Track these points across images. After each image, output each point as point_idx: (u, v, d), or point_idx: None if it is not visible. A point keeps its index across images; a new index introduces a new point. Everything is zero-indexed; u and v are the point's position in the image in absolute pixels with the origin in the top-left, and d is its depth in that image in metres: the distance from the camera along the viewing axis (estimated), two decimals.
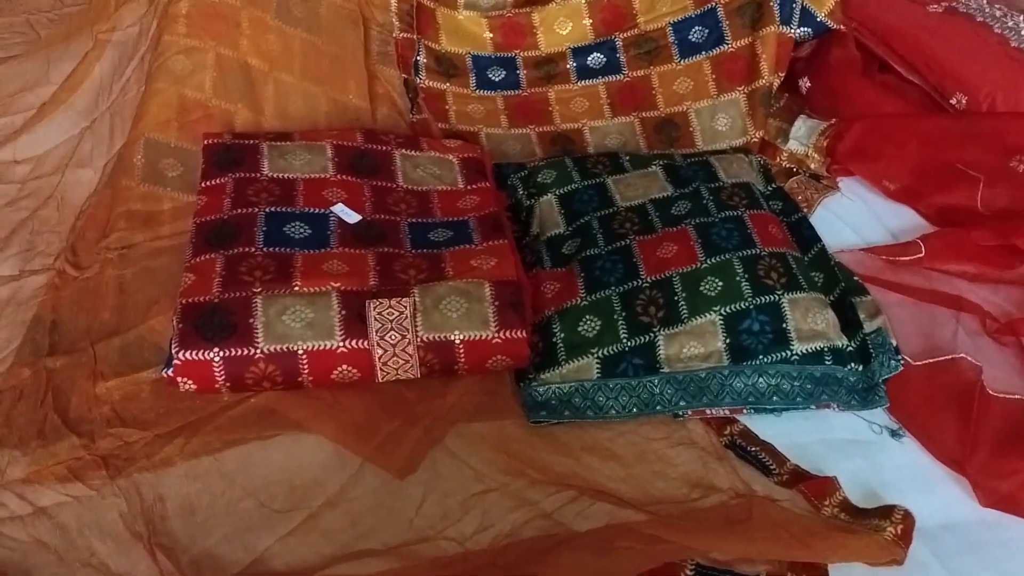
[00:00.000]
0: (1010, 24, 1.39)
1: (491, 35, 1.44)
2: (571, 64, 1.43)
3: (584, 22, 1.43)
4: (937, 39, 1.36)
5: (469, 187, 1.18)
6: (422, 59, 1.41)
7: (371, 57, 1.37)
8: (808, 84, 1.43)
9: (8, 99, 1.34)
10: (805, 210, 1.25)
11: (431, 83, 1.41)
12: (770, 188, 1.26)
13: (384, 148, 1.19)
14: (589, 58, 1.43)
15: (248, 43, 1.25)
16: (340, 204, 1.09)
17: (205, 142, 1.16)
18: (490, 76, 1.43)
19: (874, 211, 1.30)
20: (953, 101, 1.33)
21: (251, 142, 1.15)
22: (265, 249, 1.03)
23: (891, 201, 1.30)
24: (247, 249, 1.03)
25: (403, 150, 1.19)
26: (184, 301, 0.97)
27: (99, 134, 1.28)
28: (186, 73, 1.21)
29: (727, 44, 1.37)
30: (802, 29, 1.39)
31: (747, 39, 1.35)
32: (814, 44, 1.42)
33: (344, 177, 1.14)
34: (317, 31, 1.31)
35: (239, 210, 1.06)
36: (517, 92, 1.43)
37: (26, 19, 1.52)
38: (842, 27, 1.40)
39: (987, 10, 1.41)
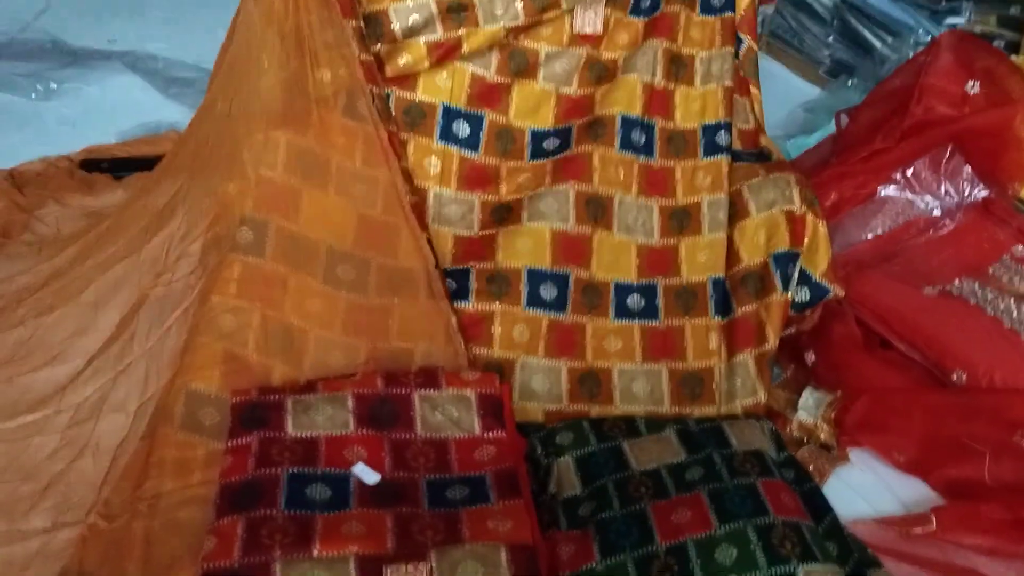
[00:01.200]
0: (1002, 307, 1.49)
1: (551, 249, 1.47)
2: (612, 299, 1.49)
3: (632, 260, 1.50)
4: (933, 320, 1.46)
5: (486, 434, 1.23)
6: (472, 284, 1.43)
7: (419, 299, 1.40)
8: (813, 357, 1.51)
9: (58, 344, 1.44)
10: (817, 480, 1.29)
11: (479, 305, 1.42)
12: (782, 456, 1.30)
13: (404, 391, 1.25)
14: (629, 299, 1.49)
15: (291, 304, 1.33)
16: (360, 464, 1.14)
17: (233, 400, 1.22)
18: (542, 294, 1.45)
19: (885, 482, 1.33)
20: (954, 377, 1.40)
21: (276, 398, 1.22)
22: (286, 512, 1.07)
23: (902, 473, 1.34)
24: (269, 511, 1.07)
25: (422, 390, 1.25)
26: (206, 566, 1.00)
27: (134, 379, 1.33)
28: (232, 331, 1.28)
29: (735, 312, 1.45)
30: (800, 290, 1.46)
31: (752, 306, 1.44)
32: (817, 319, 1.51)
33: (364, 432, 1.19)
34: (364, 292, 1.38)
35: (263, 470, 1.12)
36: (562, 315, 1.45)
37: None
38: (838, 288, 1.46)
39: (979, 294, 1.52)
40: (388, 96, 1.50)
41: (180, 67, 2.54)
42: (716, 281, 1.48)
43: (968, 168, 1.65)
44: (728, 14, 1.59)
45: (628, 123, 1.55)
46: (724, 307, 1.46)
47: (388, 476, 1.14)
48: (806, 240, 1.44)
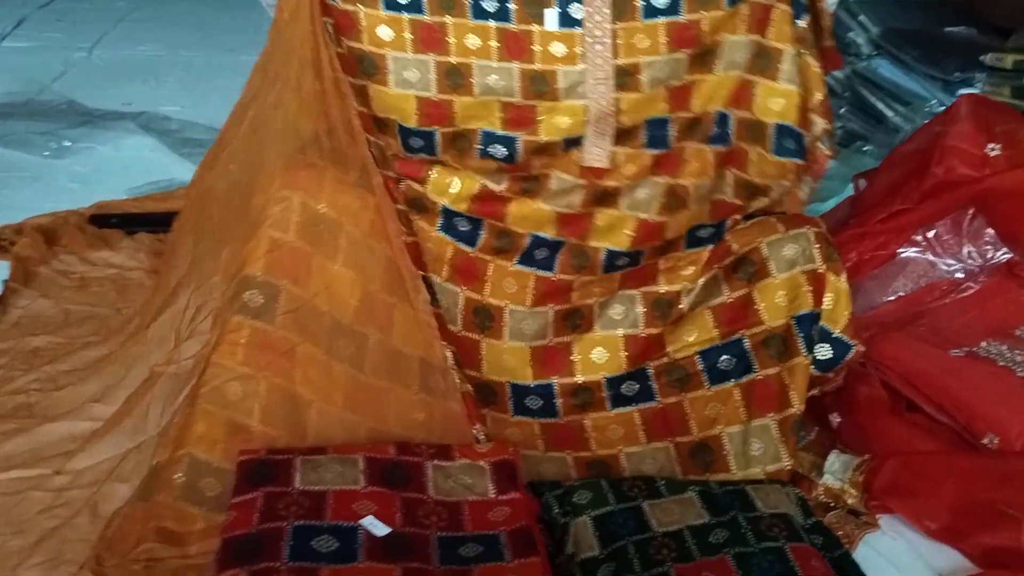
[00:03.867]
0: None
1: (532, 364, 1.49)
2: (606, 393, 1.46)
3: (620, 354, 1.49)
4: (962, 381, 1.41)
5: (500, 497, 1.17)
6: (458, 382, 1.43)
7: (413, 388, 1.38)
8: (838, 419, 1.46)
9: (66, 404, 1.41)
10: (847, 546, 1.23)
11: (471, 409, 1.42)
12: (809, 522, 1.24)
13: (416, 460, 1.21)
14: (623, 386, 1.47)
15: (299, 374, 1.28)
16: (370, 516, 1.08)
17: (240, 458, 1.17)
18: (528, 404, 1.47)
19: (917, 550, 1.26)
20: (985, 441, 1.35)
21: (285, 457, 1.17)
22: (290, 564, 1.01)
23: (934, 541, 1.27)
24: (272, 564, 1.01)
25: (435, 461, 1.21)
26: None
27: (144, 455, 1.28)
28: (237, 399, 1.23)
29: (755, 372, 1.41)
30: (822, 347, 1.40)
31: (775, 369, 1.39)
32: (841, 380, 1.46)
33: (375, 488, 1.14)
34: (361, 367, 1.34)
35: (267, 524, 1.06)
36: (554, 420, 1.46)
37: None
38: (860, 344, 1.41)
39: (1007, 355, 1.47)
40: (399, 181, 1.51)
41: (193, 128, 2.57)
42: (703, 353, 1.44)
43: (990, 230, 1.62)
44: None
45: (613, 255, 1.57)
46: (722, 376, 1.42)
47: (399, 531, 1.08)
48: (826, 298, 1.40)
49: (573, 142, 1.56)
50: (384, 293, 1.39)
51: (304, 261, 1.32)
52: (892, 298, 1.64)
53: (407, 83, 1.50)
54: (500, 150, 1.55)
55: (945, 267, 1.65)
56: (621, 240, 1.56)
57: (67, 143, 2.39)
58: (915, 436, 1.38)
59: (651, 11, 1.51)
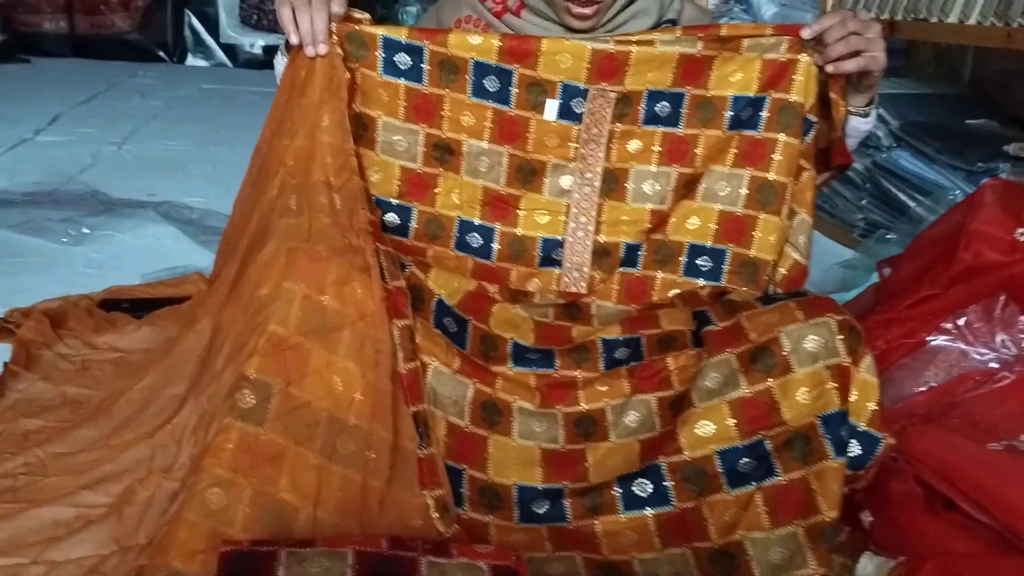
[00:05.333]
0: None
1: (541, 468, 1.39)
2: (617, 491, 1.35)
3: (635, 455, 1.39)
4: (1001, 477, 1.31)
5: None
6: (465, 491, 1.36)
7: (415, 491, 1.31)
8: (870, 518, 1.36)
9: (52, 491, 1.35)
10: None
11: (473, 514, 1.34)
12: None
13: (410, 555, 1.12)
14: (635, 486, 1.36)
15: (286, 479, 1.22)
16: None
17: (222, 550, 1.10)
18: (535, 509, 1.36)
19: None
20: None
21: (270, 549, 1.10)
22: None
23: None
24: None
25: (430, 557, 1.13)
26: None
27: (129, 558, 1.22)
28: (220, 508, 1.17)
29: (778, 477, 1.31)
30: (853, 446, 1.31)
31: (799, 473, 1.29)
32: (872, 477, 1.37)
33: None
34: (359, 468, 1.27)
35: None
36: (563, 525, 1.35)
37: None
38: (889, 436, 1.32)
39: None
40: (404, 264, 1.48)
41: (214, 217, 2.59)
42: (722, 453, 1.34)
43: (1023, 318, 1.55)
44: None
45: (609, 345, 1.51)
46: (742, 479, 1.32)
47: None
48: (853, 390, 1.31)
49: (550, 260, 1.56)
50: (390, 385, 1.32)
51: (302, 357, 1.26)
52: (923, 389, 1.55)
53: (394, 151, 1.49)
54: (476, 239, 1.52)
55: (978, 356, 1.56)
56: (612, 330, 1.51)
57: (86, 230, 2.40)
58: (954, 536, 1.27)
59: (652, 118, 1.53)
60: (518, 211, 1.55)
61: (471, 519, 1.34)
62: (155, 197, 2.81)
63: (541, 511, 1.36)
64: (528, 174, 1.53)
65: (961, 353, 1.58)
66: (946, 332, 1.59)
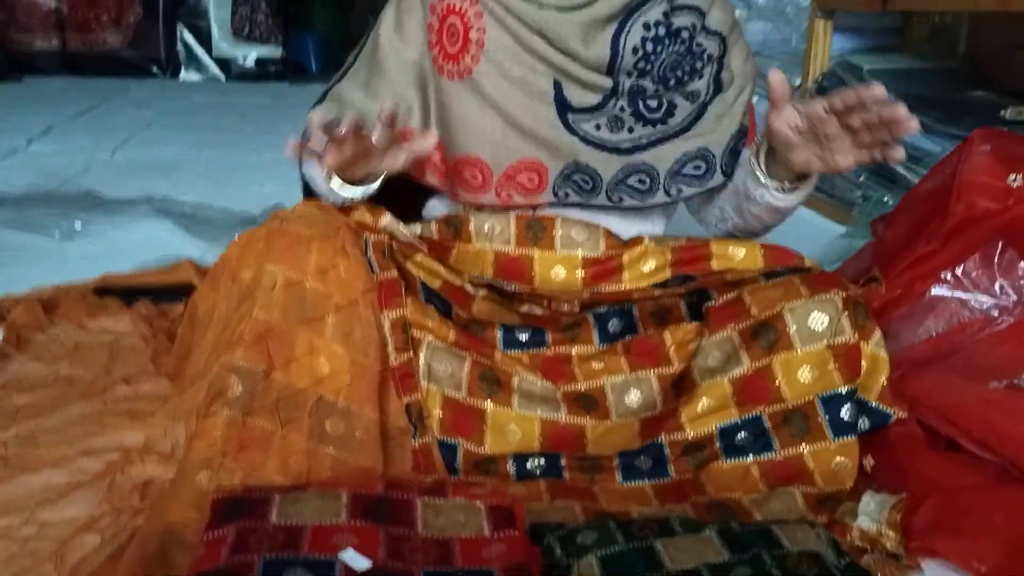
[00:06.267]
0: None
1: (539, 440, 1.37)
2: (617, 463, 1.35)
3: (635, 432, 1.38)
4: (1004, 414, 1.29)
5: (496, 535, 1.06)
6: (459, 465, 1.34)
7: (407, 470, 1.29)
8: (872, 462, 1.34)
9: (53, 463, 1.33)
10: None
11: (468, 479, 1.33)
12: (843, 562, 1.11)
13: (405, 496, 1.11)
14: (636, 460, 1.35)
15: (274, 463, 1.21)
16: (350, 549, 0.98)
17: (214, 496, 1.10)
18: (529, 468, 1.34)
19: None
20: None
21: (262, 493, 1.09)
22: None
23: None
24: None
25: (426, 497, 1.11)
26: None
27: (122, 520, 1.20)
28: (210, 490, 1.15)
29: (774, 452, 1.31)
30: (863, 421, 1.33)
31: (795, 449, 1.30)
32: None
33: (358, 523, 1.04)
34: (349, 449, 1.26)
35: (236, 558, 0.96)
36: (560, 480, 1.34)
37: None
38: (900, 411, 1.34)
39: None
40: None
41: (208, 209, 2.58)
42: (723, 430, 1.33)
43: (1023, 262, 1.53)
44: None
45: (601, 319, 1.47)
46: (738, 451, 1.32)
47: (380, 564, 0.98)
48: (863, 364, 1.31)
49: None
50: (379, 365, 1.31)
51: (287, 342, 1.25)
52: (922, 339, 1.54)
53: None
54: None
55: (977, 304, 1.55)
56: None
57: (78, 225, 2.39)
58: (958, 472, 1.26)
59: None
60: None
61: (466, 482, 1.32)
62: (148, 195, 2.81)
63: (537, 471, 1.34)
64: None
65: (960, 302, 1.57)
66: (944, 282, 1.58)
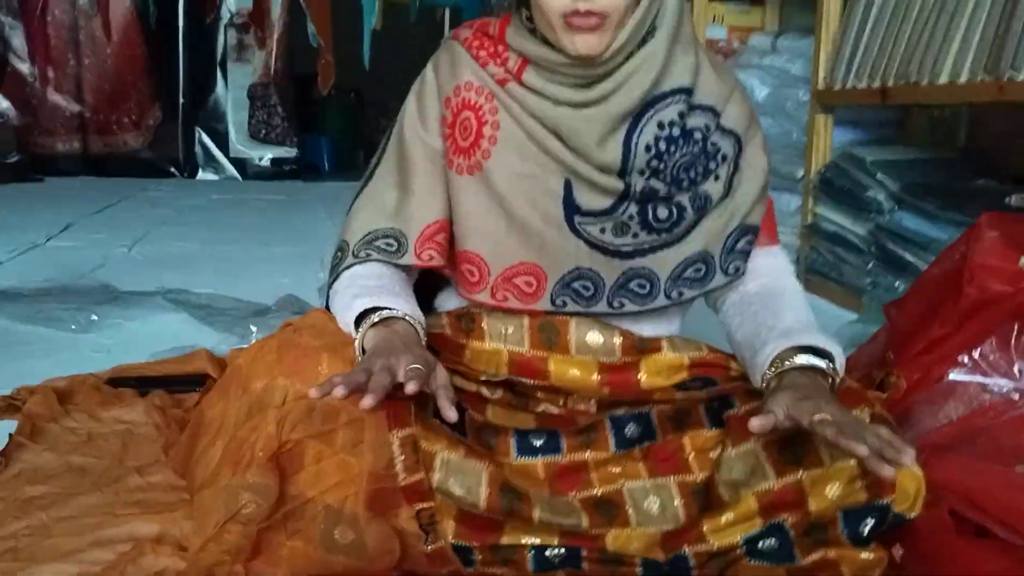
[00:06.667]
0: None
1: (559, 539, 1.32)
2: (640, 571, 1.30)
3: (656, 546, 1.31)
4: None
5: None
6: (476, 558, 1.29)
7: None
8: (901, 551, 1.30)
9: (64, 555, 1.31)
10: None
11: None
12: None
13: None
14: (659, 570, 1.29)
15: (285, 572, 1.20)
16: None
17: None
18: (547, 554, 1.30)
19: None
20: None
21: None
22: None
23: None
24: None
25: None
26: None
27: None
28: None
29: (797, 561, 1.26)
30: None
31: (819, 554, 1.26)
32: None
33: None
34: (360, 556, 1.24)
35: None
36: (579, 571, 1.30)
37: None
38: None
39: None
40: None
41: (221, 300, 2.60)
42: (748, 539, 1.28)
43: None
44: None
45: (618, 423, 1.45)
46: (762, 556, 1.28)
47: None
48: (898, 488, 1.23)
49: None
50: (389, 474, 1.27)
51: (298, 454, 1.25)
52: (943, 423, 1.52)
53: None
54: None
55: (997, 388, 1.54)
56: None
57: (94, 317, 2.41)
58: (989, 559, 1.22)
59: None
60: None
61: None
62: (164, 287, 2.84)
63: (556, 560, 1.29)
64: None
65: (979, 386, 1.56)
66: (962, 366, 1.57)
